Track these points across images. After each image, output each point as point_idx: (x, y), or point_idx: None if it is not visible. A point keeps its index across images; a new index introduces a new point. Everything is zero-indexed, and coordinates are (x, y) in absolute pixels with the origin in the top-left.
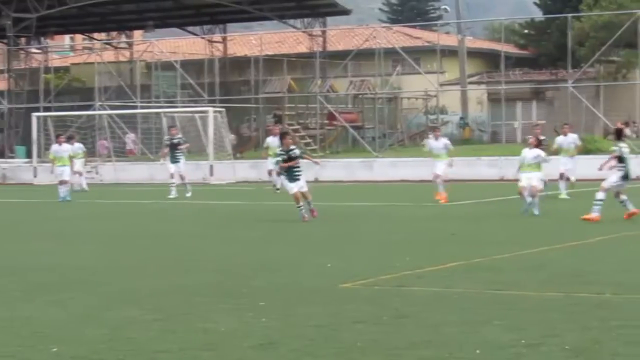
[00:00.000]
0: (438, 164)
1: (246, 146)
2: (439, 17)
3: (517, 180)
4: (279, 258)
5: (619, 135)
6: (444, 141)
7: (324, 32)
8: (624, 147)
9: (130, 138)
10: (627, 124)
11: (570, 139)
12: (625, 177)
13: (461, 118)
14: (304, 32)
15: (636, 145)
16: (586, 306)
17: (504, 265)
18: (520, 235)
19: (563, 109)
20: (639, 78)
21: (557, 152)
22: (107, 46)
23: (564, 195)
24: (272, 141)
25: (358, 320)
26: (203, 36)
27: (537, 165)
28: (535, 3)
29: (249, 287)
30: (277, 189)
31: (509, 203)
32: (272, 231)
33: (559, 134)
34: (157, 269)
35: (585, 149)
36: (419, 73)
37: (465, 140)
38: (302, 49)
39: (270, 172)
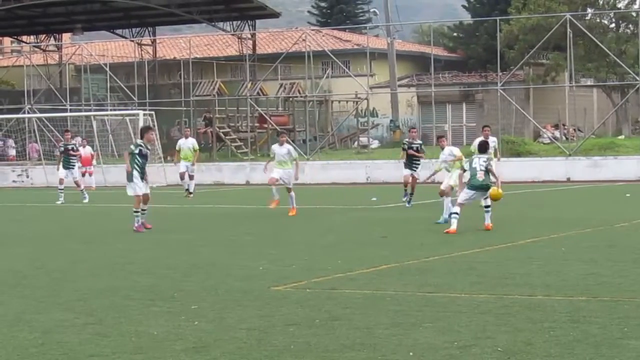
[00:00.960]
0: (279, 170)
1: (175, 150)
2: (368, 20)
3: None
4: (211, 261)
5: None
6: (288, 147)
7: (253, 35)
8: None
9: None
10: (556, 127)
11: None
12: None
13: (391, 121)
14: (233, 35)
15: (566, 147)
16: (517, 308)
17: (435, 268)
18: (451, 237)
19: (492, 112)
20: (567, 81)
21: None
22: (36, 49)
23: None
24: (184, 143)
25: (290, 323)
26: (132, 39)
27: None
28: (463, 6)
29: (180, 291)
30: (190, 193)
31: (439, 205)
32: (203, 234)
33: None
34: (87, 272)
35: (515, 152)
36: (349, 76)
37: (396, 142)
38: (232, 51)
39: (182, 175)
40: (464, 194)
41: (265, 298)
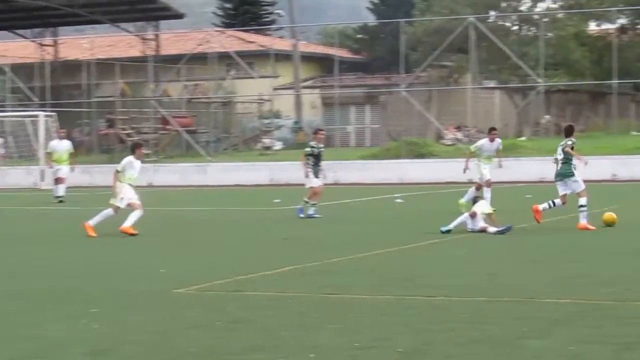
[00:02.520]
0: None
1: (77, 151)
2: (273, 22)
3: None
4: (111, 264)
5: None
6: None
7: (156, 35)
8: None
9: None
10: (459, 128)
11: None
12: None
13: (295, 122)
14: (136, 35)
15: (468, 148)
16: (418, 309)
17: (337, 269)
18: (353, 239)
19: (396, 113)
20: (470, 83)
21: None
22: None
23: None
24: (58, 145)
25: (192, 326)
26: (33, 39)
27: None
28: (368, 8)
29: (80, 294)
30: (59, 198)
31: (342, 207)
32: (104, 236)
33: (392, 139)
34: None
35: (418, 153)
36: (253, 77)
37: (300, 144)
38: (135, 53)
39: (57, 180)
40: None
41: (166, 301)
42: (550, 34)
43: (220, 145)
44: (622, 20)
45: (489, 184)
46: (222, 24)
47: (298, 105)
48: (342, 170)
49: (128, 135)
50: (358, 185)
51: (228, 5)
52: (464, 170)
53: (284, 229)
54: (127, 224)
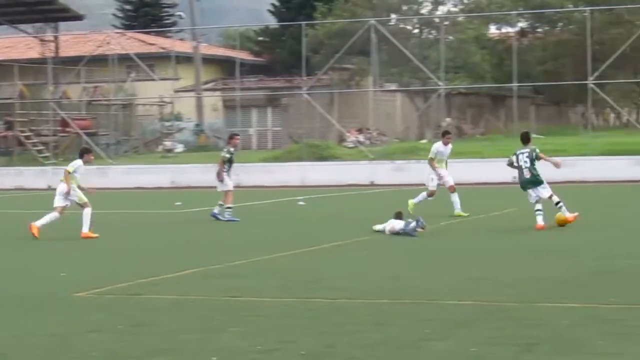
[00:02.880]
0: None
1: None
2: (174, 24)
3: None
4: (10, 267)
5: None
6: None
7: (56, 37)
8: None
9: None
10: (360, 131)
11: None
12: None
13: (197, 125)
14: (35, 37)
15: (370, 151)
16: (321, 311)
17: (239, 272)
18: (256, 241)
19: (298, 116)
20: (371, 85)
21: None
22: None
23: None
24: None
25: (93, 329)
26: None
27: None
28: (269, 11)
29: None
30: None
31: (246, 209)
32: (3, 239)
33: (294, 141)
34: None
35: (320, 156)
36: (154, 79)
37: (201, 146)
38: (34, 54)
39: None
40: None
41: (67, 304)
42: (451, 37)
43: (121, 147)
44: (522, 24)
45: (453, 189)
46: (122, 26)
47: (199, 107)
48: (244, 173)
49: (27, 137)
50: (260, 187)
51: (128, 7)
52: (439, 177)
53: (186, 232)
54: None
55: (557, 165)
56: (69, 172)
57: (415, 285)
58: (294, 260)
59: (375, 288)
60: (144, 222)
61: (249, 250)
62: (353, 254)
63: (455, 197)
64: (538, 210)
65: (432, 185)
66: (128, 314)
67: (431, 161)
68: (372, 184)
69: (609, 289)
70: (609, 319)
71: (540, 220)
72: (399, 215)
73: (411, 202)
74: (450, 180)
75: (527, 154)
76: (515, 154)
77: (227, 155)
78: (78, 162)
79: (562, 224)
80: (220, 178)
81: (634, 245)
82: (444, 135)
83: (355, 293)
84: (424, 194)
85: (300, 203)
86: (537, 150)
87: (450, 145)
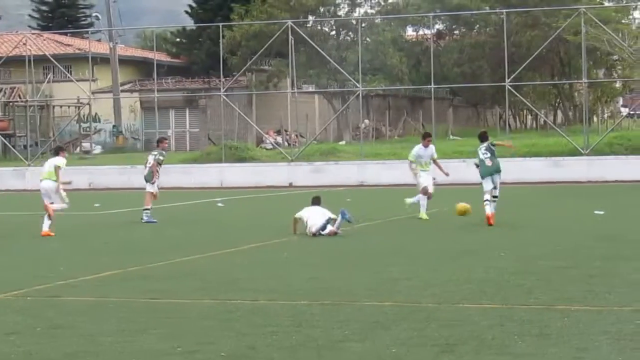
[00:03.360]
0: None
1: None
2: (91, 25)
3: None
4: None
5: None
6: None
7: None
8: None
9: None
10: (279, 132)
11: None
12: None
13: (114, 126)
14: None
15: (289, 153)
16: (241, 313)
17: (158, 274)
18: (174, 243)
19: (216, 117)
20: (289, 87)
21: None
22: None
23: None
24: None
25: (11, 332)
26: None
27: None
28: (186, 12)
29: None
30: None
31: (163, 211)
32: None
33: (213, 142)
34: None
35: (238, 157)
36: (71, 80)
37: (119, 148)
38: None
39: None
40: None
41: None
42: (368, 39)
43: (39, 149)
44: (439, 26)
45: (425, 191)
46: (38, 27)
47: (117, 109)
48: (163, 175)
49: None
50: (179, 189)
51: (44, 8)
52: (415, 175)
53: (104, 234)
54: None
55: (510, 146)
56: (60, 168)
57: (335, 286)
58: (213, 262)
59: (295, 289)
60: (62, 224)
61: (167, 252)
62: (272, 255)
63: (423, 200)
64: (487, 200)
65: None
66: (46, 316)
67: (410, 163)
68: (291, 186)
69: (528, 290)
70: (528, 320)
71: (489, 210)
72: (316, 201)
73: (407, 201)
74: (423, 182)
75: (485, 147)
76: (477, 152)
77: (162, 158)
78: (60, 160)
79: (463, 214)
80: (154, 179)
81: (550, 247)
82: (424, 137)
83: (275, 294)
84: (420, 195)
85: (219, 205)
86: (493, 141)
87: (432, 147)
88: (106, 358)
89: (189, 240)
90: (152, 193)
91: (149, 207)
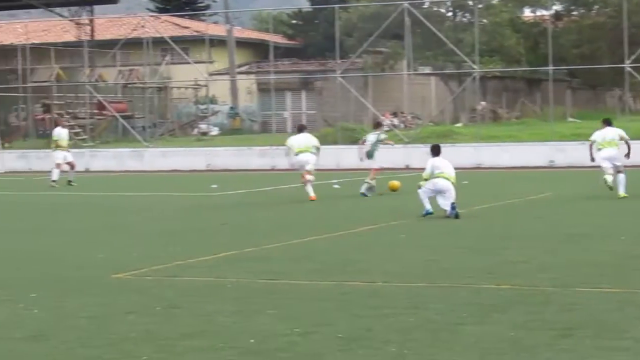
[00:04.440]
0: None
1: (14, 136)
2: (207, 7)
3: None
4: (50, 249)
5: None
6: None
7: (91, 20)
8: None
9: None
10: (395, 114)
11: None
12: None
13: (231, 108)
14: (71, 20)
15: (405, 135)
16: (357, 295)
17: (275, 255)
18: (290, 224)
19: (331, 99)
20: (405, 69)
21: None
22: None
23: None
24: (62, 132)
25: (130, 311)
26: None
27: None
28: None
29: (19, 279)
30: (69, 181)
31: (280, 193)
32: (42, 222)
33: (329, 124)
34: None
35: (354, 139)
36: (188, 63)
37: (236, 130)
38: (70, 37)
39: (61, 165)
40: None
41: (105, 286)
42: (485, 21)
43: (157, 130)
44: (557, 7)
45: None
46: (156, 9)
47: (234, 91)
48: (278, 156)
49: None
50: (295, 171)
51: None
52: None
53: (221, 215)
54: None
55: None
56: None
57: (451, 268)
58: (329, 244)
59: (412, 271)
60: (180, 205)
61: (284, 234)
62: (389, 237)
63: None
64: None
65: None
66: (165, 295)
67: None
68: (407, 168)
69: None
70: None
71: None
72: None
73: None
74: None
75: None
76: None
77: (384, 136)
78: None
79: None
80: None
81: None
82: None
83: (392, 276)
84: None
85: (335, 186)
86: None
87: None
88: (223, 338)
89: (305, 222)
90: (376, 169)
91: (372, 181)
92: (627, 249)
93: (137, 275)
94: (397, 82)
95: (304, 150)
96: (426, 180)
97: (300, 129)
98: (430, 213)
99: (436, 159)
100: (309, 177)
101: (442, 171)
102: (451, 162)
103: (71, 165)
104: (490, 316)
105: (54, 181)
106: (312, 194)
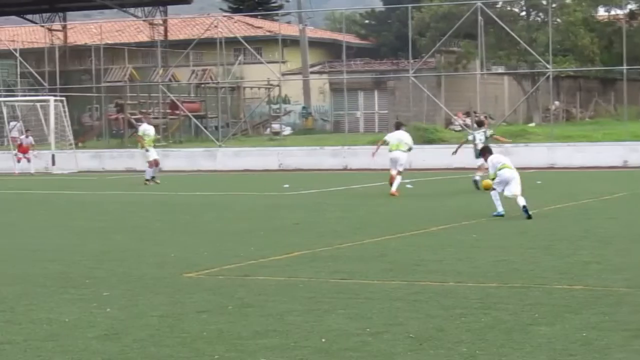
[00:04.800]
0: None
1: (87, 135)
2: (280, 7)
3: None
4: (122, 248)
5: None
6: None
7: (164, 21)
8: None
9: (14, 126)
10: (467, 114)
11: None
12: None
13: (304, 107)
14: (144, 21)
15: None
16: (429, 294)
17: (347, 255)
18: (362, 224)
19: (404, 99)
20: (478, 68)
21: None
22: None
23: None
24: (150, 129)
25: (203, 310)
26: (42, 24)
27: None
28: None
29: (92, 278)
30: (153, 177)
31: (352, 192)
32: (114, 221)
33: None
34: None
35: (427, 139)
36: (261, 62)
37: (308, 129)
38: (143, 37)
39: (151, 164)
40: None
41: (177, 285)
42: (558, 20)
43: (229, 130)
44: (632, 6)
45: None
46: (229, 9)
47: (306, 90)
48: (351, 156)
49: (137, 120)
50: (367, 170)
51: None
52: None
53: (293, 214)
54: None
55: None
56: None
57: (523, 269)
58: (401, 243)
59: (484, 271)
60: (252, 205)
61: (356, 233)
62: (460, 237)
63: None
64: None
65: None
66: (237, 295)
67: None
68: (479, 168)
69: None
70: None
71: None
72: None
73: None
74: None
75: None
76: None
77: (491, 131)
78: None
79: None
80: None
81: None
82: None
83: (463, 276)
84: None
85: (408, 186)
86: None
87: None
88: (295, 337)
89: (377, 221)
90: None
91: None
92: None
93: (209, 275)
94: (469, 81)
95: (397, 147)
96: (494, 179)
97: (398, 125)
98: (502, 215)
99: (493, 156)
100: (397, 177)
101: (503, 163)
102: (524, 161)
103: (156, 162)
104: (562, 317)
105: (148, 179)
106: (394, 189)
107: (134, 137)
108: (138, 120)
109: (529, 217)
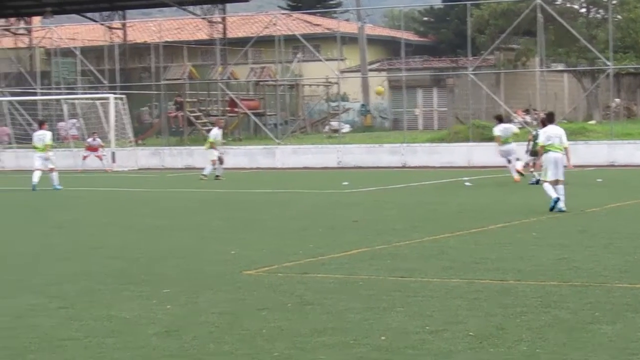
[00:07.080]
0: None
1: (147, 133)
2: (339, 5)
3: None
4: (182, 245)
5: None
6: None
7: (223, 18)
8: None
9: (74, 124)
10: (527, 112)
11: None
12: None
13: (362, 105)
14: (203, 18)
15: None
16: (489, 293)
17: (406, 252)
18: (421, 222)
19: (463, 97)
20: (538, 66)
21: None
22: (6, 32)
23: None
24: (219, 134)
25: (262, 307)
26: (102, 22)
27: None
28: None
29: (152, 275)
30: (218, 176)
31: (410, 190)
32: (175, 219)
33: (460, 122)
34: (59, 257)
35: (486, 137)
36: (320, 60)
37: (367, 127)
38: (202, 35)
39: (215, 162)
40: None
41: (236, 282)
42: (619, 17)
43: (288, 128)
44: None
45: None
46: (287, 7)
47: (365, 88)
48: (410, 154)
49: (196, 117)
50: (426, 168)
51: None
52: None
53: (352, 212)
54: None
55: None
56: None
57: (584, 267)
58: (459, 242)
59: (544, 270)
60: (311, 202)
61: (414, 231)
62: (520, 235)
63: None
64: None
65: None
66: (296, 292)
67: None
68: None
69: None
70: None
71: None
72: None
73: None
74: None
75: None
76: None
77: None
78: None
79: None
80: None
81: None
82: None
83: (523, 275)
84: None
85: (467, 184)
86: None
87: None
88: (355, 334)
89: (436, 220)
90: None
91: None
92: None
93: (268, 272)
94: (529, 79)
95: (507, 140)
96: (543, 147)
97: (500, 119)
98: (557, 200)
99: (548, 127)
100: (518, 167)
101: (552, 142)
102: (584, 159)
103: (221, 160)
104: (623, 316)
105: (218, 175)
106: (516, 176)
107: (194, 136)
108: (212, 124)
109: (561, 210)
